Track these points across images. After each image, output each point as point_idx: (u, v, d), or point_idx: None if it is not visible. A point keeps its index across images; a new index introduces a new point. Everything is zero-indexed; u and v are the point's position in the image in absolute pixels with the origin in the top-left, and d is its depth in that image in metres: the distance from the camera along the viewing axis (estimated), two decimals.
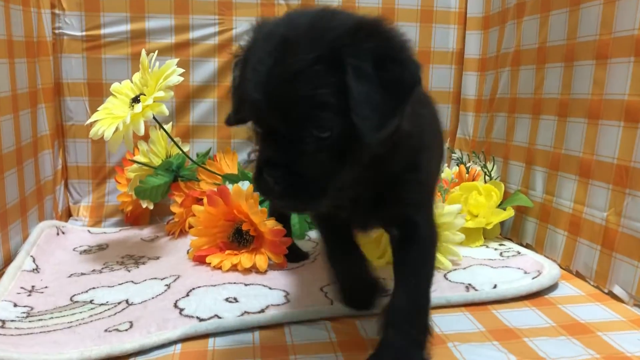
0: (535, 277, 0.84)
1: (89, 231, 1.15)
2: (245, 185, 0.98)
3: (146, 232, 1.14)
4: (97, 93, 1.21)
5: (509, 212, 1.06)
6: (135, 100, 0.93)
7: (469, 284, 0.82)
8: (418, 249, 0.60)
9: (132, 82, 0.98)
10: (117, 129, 0.87)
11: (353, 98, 0.46)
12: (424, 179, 0.61)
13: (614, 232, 0.81)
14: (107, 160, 1.24)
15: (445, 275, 0.86)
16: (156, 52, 0.96)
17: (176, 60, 0.95)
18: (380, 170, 0.56)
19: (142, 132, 0.88)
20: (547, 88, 1.01)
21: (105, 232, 1.16)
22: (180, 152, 1.10)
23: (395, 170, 0.57)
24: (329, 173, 0.50)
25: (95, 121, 0.91)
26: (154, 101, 0.89)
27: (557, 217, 0.95)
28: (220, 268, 0.86)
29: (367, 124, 0.47)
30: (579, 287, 0.84)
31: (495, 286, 0.82)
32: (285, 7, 1.24)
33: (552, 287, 0.83)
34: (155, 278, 0.87)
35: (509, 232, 1.09)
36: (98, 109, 0.96)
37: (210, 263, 0.87)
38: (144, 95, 0.92)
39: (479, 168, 1.18)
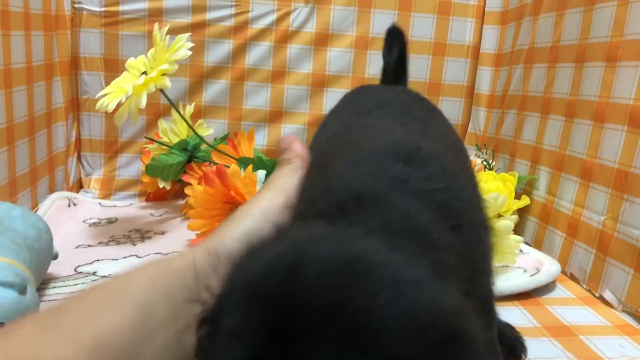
0: (533, 274, 0.84)
1: (100, 204, 1.18)
2: (261, 174, 0.98)
3: (158, 209, 1.17)
4: (114, 69, 1.23)
5: (525, 200, 1.05)
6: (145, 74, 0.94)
7: None
8: None
9: (146, 57, 0.99)
10: (120, 102, 0.88)
11: None
12: None
13: (610, 237, 0.81)
14: (120, 135, 1.27)
15: None
16: (167, 26, 0.96)
17: (187, 34, 0.95)
18: None
19: (143, 104, 0.88)
20: (557, 88, 1.00)
21: (116, 206, 1.19)
22: (198, 132, 1.12)
23: None
24: None
25: (104, 95, 0.92)
26: (158, 74, 0.90)
27: (557, 218, 0.95)
28: None
29: None
30: (571, 289, 0.84)
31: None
32: None
33: (548, 287, 0.83)
34: (158, 253, 0.90)
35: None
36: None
37: None
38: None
39: (479, 161, 1.18)
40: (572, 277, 0.88)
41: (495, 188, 1.05)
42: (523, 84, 1.12)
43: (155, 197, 1.21)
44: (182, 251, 0.42)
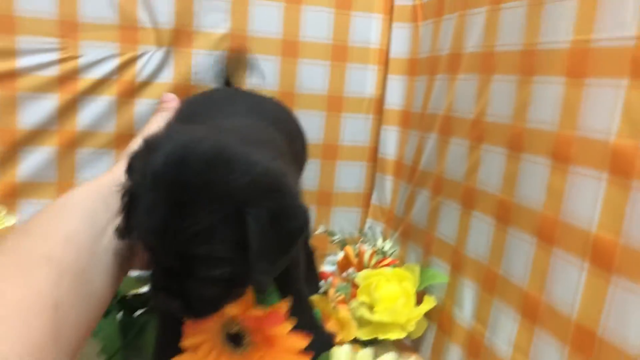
0: None
1: None
2: None
3: None
4: None
5: (429, 303, 0.81)
6: None
7: None
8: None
9: None
10: None
11: (253, 254, 0.49)
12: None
13: None
14: None
15: None
16: None
17: None
18: None
19: None
20: (483, 173, 0.76)
21: None
22: None
23: None
24: (220, 297, 0.55)
25: None
26: None
27: (490, 359, 0.71)
28: None
29: (263, 275, 0.51)
30: None
31: None
32: (152, 32, 0.94)
33: None
34: None
35: (430, 355, 0.84)
36: None
37: None
38: None
39: (369, 248, 0.93)
40: None
41: (390, 295, 0.80)
42: (438, 160, 0.88)
43: None
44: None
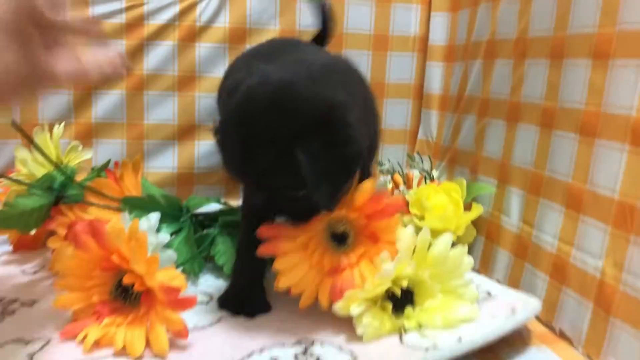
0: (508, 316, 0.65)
1: None
2: (153, 219, 0.76)
3: (31, 262, 0.91)
4: None
5: (478, 209, 0.87)
6: None
7: (430, 346, 0.62)
8: None
9: None
10: None
11: (307, 181, 0.56)
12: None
13: (613, 289, 0.62)
14: None
15: (401, 339, 0.65)
16: None
17: None
18: None
19: None
20: (527, 90, 0.80)
21: None
22: (73, 159, 0.87)
23: None
24: (309, 209, 0.64)
25: None
26: None
27: (537, 256, 0.76)
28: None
29: (323, 197, 0.59)
30: (564, 356, 0.65)
31: (460, 339, 0.62)
32: None
33: (530, 357, 0.64)
34: (19, 340, 0.65)
35: (478, 263, 0.89)
36: None
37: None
38: None
39: (416, 172, 0.98)
40: (563, 335, 0.69)
41: (440, 204, 0.85)
42: (483, 84, 0.92)
43: (20, 246, 0.95)
44: None
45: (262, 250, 0.67)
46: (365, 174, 0.65)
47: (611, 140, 0.64)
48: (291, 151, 0.55)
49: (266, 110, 0.56)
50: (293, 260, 0.67)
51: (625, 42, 0.62)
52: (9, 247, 0.97)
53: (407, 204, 0.89)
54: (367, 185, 0.64)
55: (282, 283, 0.66)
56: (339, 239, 0.67)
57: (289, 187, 0.59)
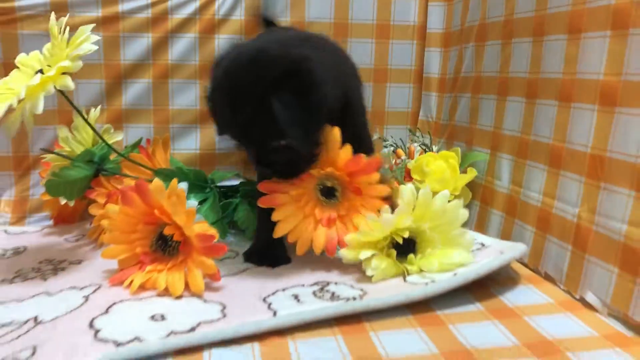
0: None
1: (5, 231, 1.02)
2: (183, 186, 0.86)
3: (73, 233, 1.02)
4: None
5: (472, 173, 0.97)
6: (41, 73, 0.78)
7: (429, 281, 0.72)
8: None
9: (41, 54, 0.83)
10: (11, 106, 0.73)
11: (281, 124, 0.66)
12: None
13: (587, 231, 0.71)
14: (30, 149, 1.11)
15: (404, 279, 0.75)
16: (67, 15, 0.81)
17: (91, 25, 0.79)
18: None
19: (39, 109, 0.73)
20: (514, 66, 0.90)
21: (25, 232, 1.03)
22: (105, 140, 0.97)
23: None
24: (297, 162, 0.74)
25: None
26: (57, 72, 0.74)
27: (525, 211, 0.85)
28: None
29: (298, 138, 0.69)
30: (548, 292, 0.74)
31: (455, 274, 0.71)
32: None
33: (522, 292, 0.74)
34: (74, 287, 0.76)
35: (473, 225, 0.99)
36: None
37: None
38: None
39: (416, 145, 1.08)
40: (547, 277, 0.79)
41: (438, 168, 0.95)
42: (476, 64, 1.02)
43: (60, 219, 1.05)
44: None
45: (262, 202, 0.78)
46: (363, 145, 0.78)
47: (584, 103, 0.73)
48: (267, 102, 0.66)
49: (244, 68, 0.69)
50: (288, 211, 0.77)
51: (594, 17, 0.72)
52: (50, 222, 1.08)
53: (408, 172, 0.99)
54: (347, 148, 0.75)
55: (280, 230, 0.77)
56: (329, 194, 0.78)
57: (272, 136, 0.69)
